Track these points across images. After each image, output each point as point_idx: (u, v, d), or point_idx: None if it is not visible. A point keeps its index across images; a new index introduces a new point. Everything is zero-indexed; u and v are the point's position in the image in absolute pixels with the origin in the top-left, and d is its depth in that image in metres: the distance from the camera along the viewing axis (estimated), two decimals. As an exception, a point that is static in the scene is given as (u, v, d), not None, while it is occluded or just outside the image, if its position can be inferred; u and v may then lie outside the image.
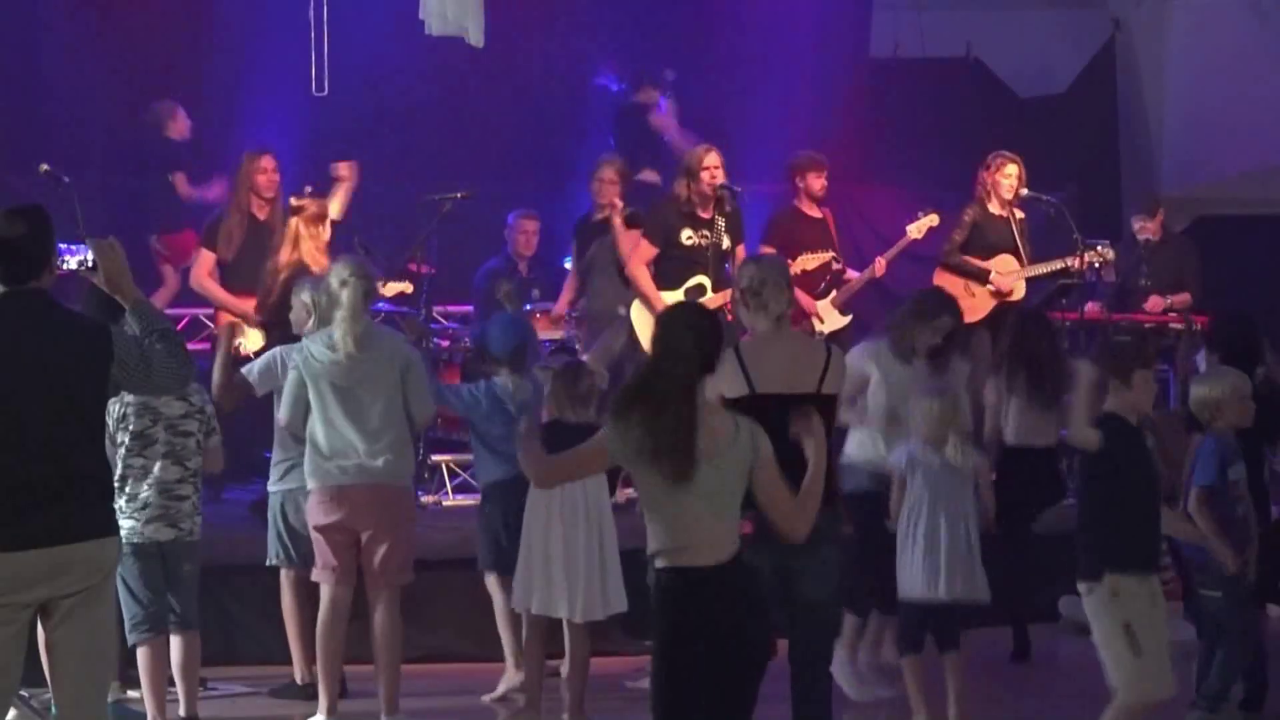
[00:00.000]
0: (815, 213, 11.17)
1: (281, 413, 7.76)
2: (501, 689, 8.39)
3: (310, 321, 7.95)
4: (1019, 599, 9.03)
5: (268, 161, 10.23)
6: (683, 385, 5.18)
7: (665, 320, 5.40)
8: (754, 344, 6.65)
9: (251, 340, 9.79)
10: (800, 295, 10.89)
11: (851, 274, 11.14)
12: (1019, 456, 8.95)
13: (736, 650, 5.18)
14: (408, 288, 10.62)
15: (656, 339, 5.35)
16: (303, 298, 8.09)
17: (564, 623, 7.79)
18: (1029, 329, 9.27)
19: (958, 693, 7.56)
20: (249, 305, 9.87)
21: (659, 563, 5.23)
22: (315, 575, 7.79)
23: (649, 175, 11.86)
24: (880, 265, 11.04)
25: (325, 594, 7.69)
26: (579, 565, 7.64)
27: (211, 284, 10.08)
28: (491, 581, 8.36)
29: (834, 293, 11.06)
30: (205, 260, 10.13)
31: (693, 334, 5.26)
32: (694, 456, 5.12)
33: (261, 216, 10.16)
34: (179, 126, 11.72)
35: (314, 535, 7.70)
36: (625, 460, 5.28)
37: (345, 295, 7.57)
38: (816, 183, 11.10)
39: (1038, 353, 9.08)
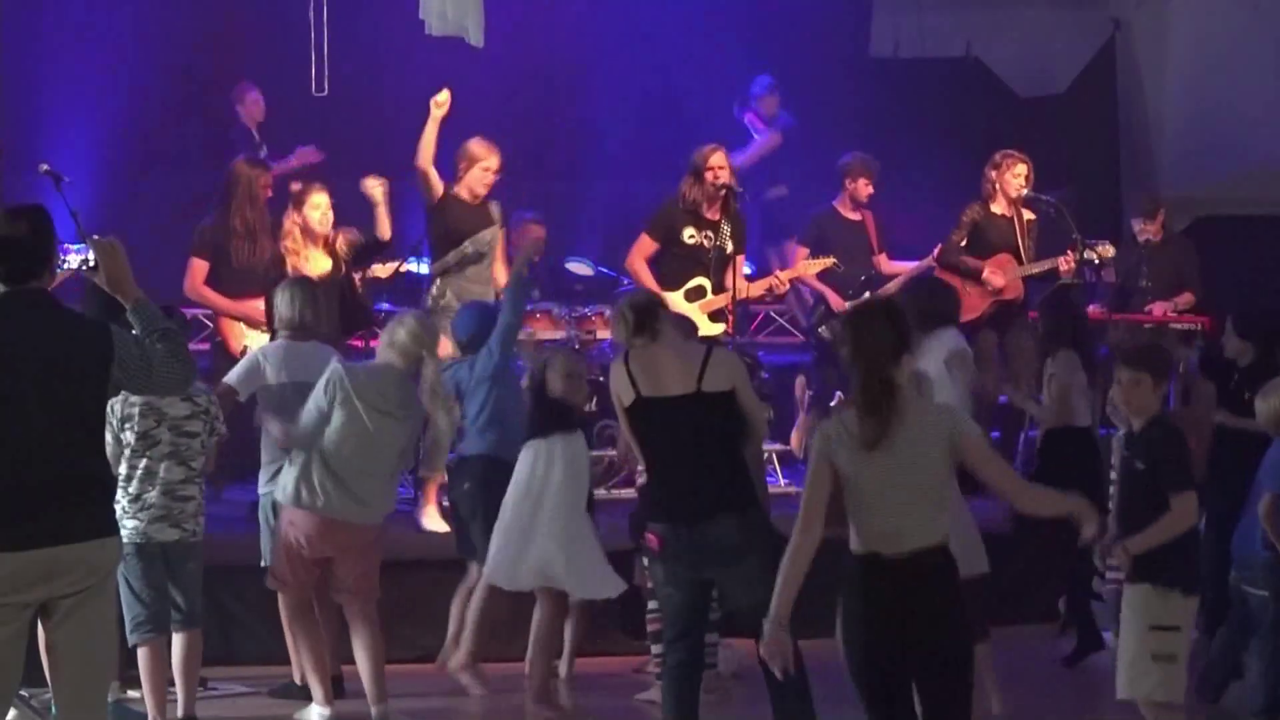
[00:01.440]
0: (854, 215, 11.22)
1: (302, 433, 7.72)
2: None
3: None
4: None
5: (270, 178, 10.24)
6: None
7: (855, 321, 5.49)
8: (638, 354, 6.79)
9: (254, 341, 9.80)
10: (829, 294, 10.96)
11: (901, 266, 11.16)
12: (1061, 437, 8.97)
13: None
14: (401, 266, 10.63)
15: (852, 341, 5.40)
16: (285, 297, 8.12)
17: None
18: (1062, 313, 9.27)
19: (992, 683, 7.56)
20: (247, 309, 9.88)
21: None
22: (269, 582, 7.87)
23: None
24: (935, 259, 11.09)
25: (282, 601, 7.80)
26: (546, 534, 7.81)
27: (209, 291, 10.01)
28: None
29: (866, 294, 11.06)
30: (199, 269, 10.01)
31: (888, 324, 5.36)
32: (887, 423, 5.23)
33: (252, 221, 10.14)
34: (248, 110, 11.69)
35: (279, 547, 7.74)
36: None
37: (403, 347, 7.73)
38: (865, 189, 11.16)
39: (1076, 333, 9.12)
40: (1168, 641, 6.42)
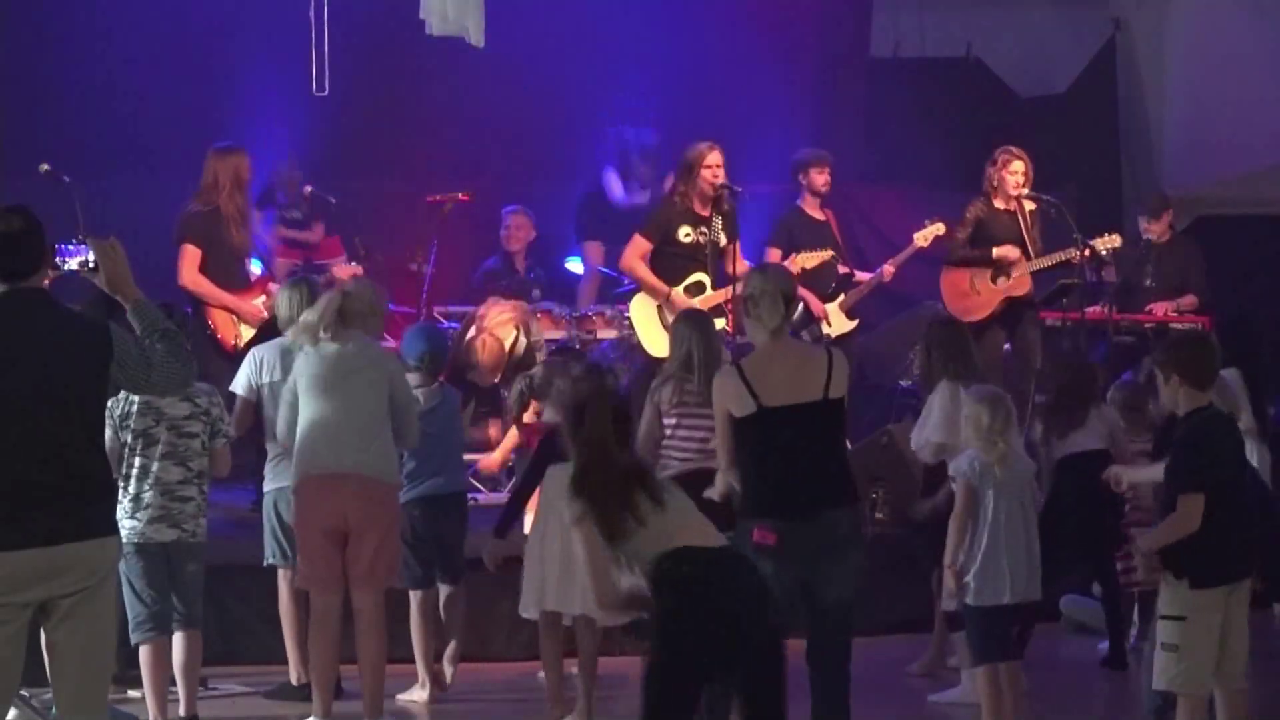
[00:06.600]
0: (819, 215, 11.13)
1: (281, 428, 7.71)
2: (406, 697, 8.32)
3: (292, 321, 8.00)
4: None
5: (248, 160, 10.09)
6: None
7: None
8: (755, 358, 6.63)
9: (247, 334, 9.78)
10: (809, 297, 10.89)
11: (862, 276, 11.12)
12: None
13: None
14: (358, 270, 10.57)
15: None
16: (286, 298, 8.13)
17: (573, 620, 7.81)
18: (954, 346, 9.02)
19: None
20: (243, 303, 9.83)
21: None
22: (300, 583, 7.80)
23: None
24: (888, 271, 11.03)
25: (314, 602, 7.66)
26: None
27: (205, 281, 9.84)
28: (416, 596, 8.35)
29: (842, 296, 11.03)
30: (194, 257, 9.78)
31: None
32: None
33: (229, 211, 10.01)
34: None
35: (299, 539, 7.68)
36: None
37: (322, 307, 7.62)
38: (819, 179, 11.05)
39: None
40: (1172, 631, 6.40)
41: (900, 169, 13.47)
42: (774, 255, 10.80)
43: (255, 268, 10.49)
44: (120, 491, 7.25)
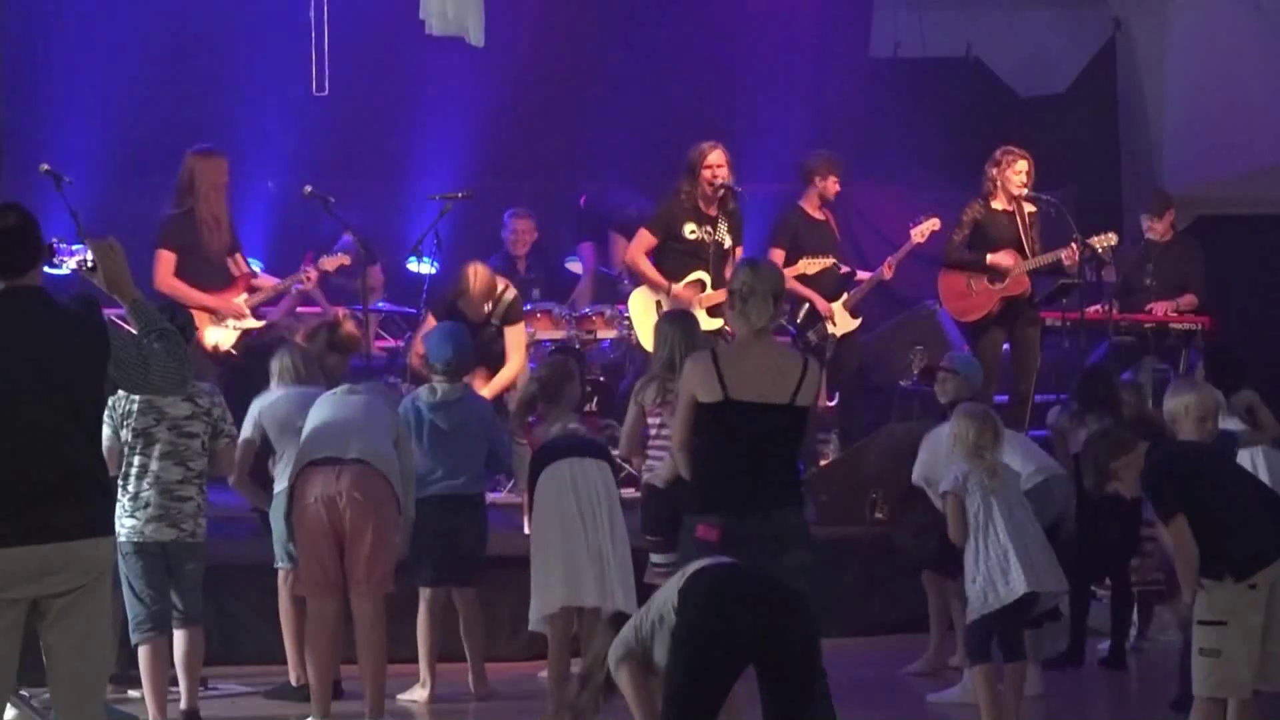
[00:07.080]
0: (819, 215, 11.14)
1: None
2: (407, 696, 8.30)
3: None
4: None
5: (226, 163, 10.10)
6: None
7: None
8: (732, 349, 6.63)
9: (225, 338, 9.80)
10: (814, 297, 10.90)
11: (862, 275, 11.14)
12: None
13: None
14: (345, 260, 10.55)
15: None
16: (281, 362, 8.31)
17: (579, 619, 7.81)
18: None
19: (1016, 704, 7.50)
20: (222, 301, 9.88)
21: None
22: (295, 588, 7.81)
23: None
24: (888, 268, 11.04)
25: (310, 605, 7.68)
26: (606, 553, 7.69)
27: (181, 284, 9.81)
28: (425, 594, 8.33)
29: (845, 295, 11.04)
30: (169, 261, 9.85)
31: None
32: None
33: (205, 215, 9.96)
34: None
35: (297, 539, 7.68)
36: None
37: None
38: (834, 187, 11.06)
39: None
40: (1213, 636, 6.37)
41: (900, 169, 13.46)
42: (777, 256, 10.80)
43: (255, 266, 10.50)
44: (120, 490, 7.27)
